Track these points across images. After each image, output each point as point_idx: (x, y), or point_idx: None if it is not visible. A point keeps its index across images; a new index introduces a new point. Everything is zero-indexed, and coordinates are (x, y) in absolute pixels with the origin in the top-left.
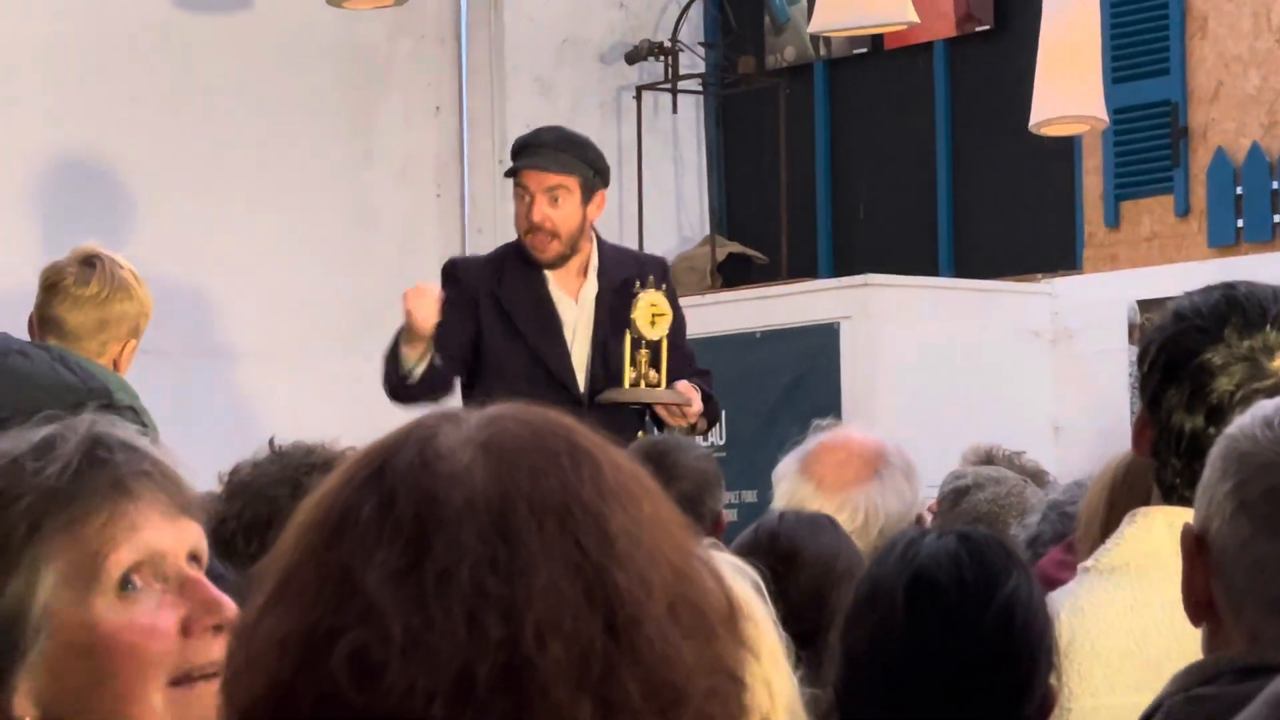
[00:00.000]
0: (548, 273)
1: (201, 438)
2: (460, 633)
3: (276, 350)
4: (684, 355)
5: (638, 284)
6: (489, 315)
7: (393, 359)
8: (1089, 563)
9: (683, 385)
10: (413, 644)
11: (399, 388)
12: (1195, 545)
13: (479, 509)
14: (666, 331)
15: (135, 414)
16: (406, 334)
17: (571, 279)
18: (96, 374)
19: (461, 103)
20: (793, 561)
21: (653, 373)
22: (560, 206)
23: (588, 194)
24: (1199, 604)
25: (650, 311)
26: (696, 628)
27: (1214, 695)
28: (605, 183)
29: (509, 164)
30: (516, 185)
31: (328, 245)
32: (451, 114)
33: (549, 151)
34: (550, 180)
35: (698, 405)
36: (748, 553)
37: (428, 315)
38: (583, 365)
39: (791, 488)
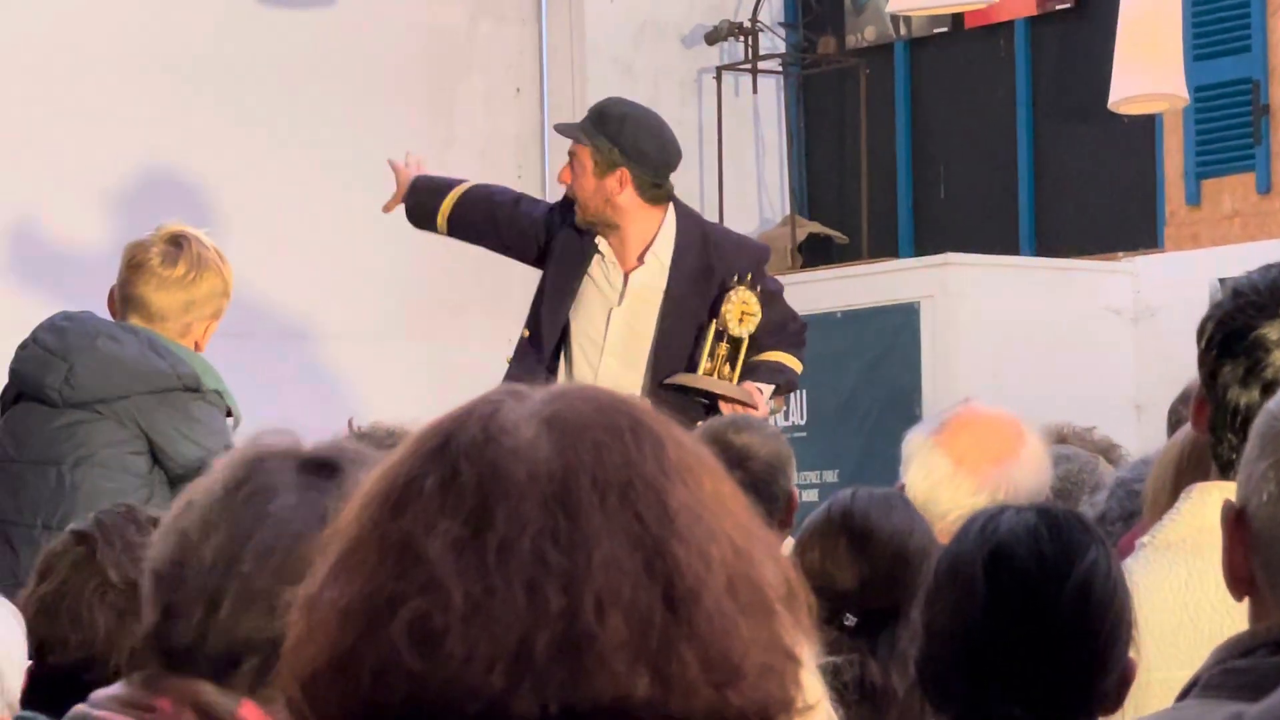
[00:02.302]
0: (603, 244)
1: (285, 420)
2: (520, 602)
3: (359, 332)
4: (782, 315)
5: (735, 278)
6: (550, 253)
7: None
8: (1145, 538)
9: (750, 387)
10: (473, 612)
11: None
12: (1235, 521)
13: (541, 481)
14: (753, 331)
15: (220, 398)
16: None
17: (628, 257)
18: (185, 359)
19: (542, 84)
20: (866, 540)
21: (727, 368)
22: (575, 174)
23: (603, 167)
24: (1239, 579)
25: (740, 309)
26: (754, 605)
27: (1249, 668)
28: (635, 162)
29: None
30: None
31: (410, 226)
32: (532, 95)
33: (582, 120)
34: (571, 146)
35: (763, 411)
36: (821, 532)
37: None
38: (613, 346)
39: (927, 464)
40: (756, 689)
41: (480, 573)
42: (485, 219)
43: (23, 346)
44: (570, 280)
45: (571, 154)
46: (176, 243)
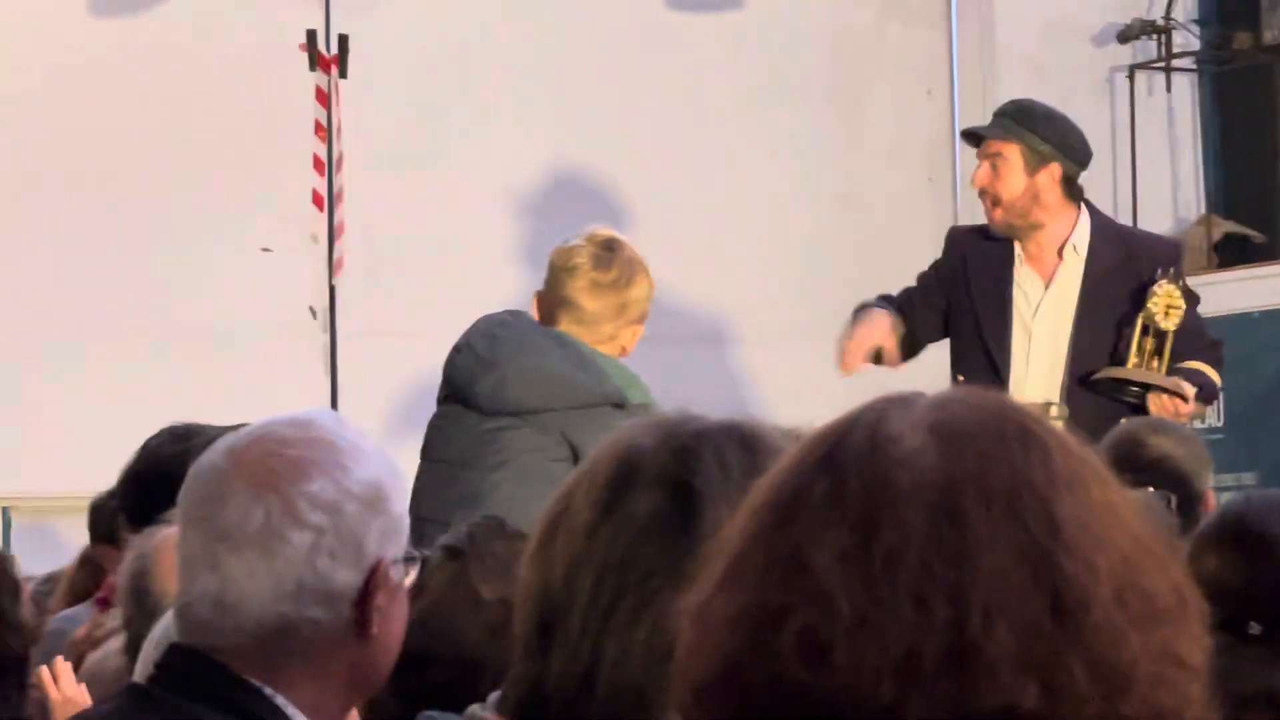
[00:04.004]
0: (1019, 249)
1: None
2: (907, 614)
3: (767, 335)
4: (1196, 322)
5: (1159, 271)
6: (958, 285)
7: None
8: None
9: (1177, 378)
10: (860, 624)
11: None
12: None
13: (927, 492)
14: (1179, 324)
15: (646, 410)
16: None
17: (1046, 257)
18: (611, 374)
19: (952, 86)
20: (1261, 547)
21: (1155, 362)
22: (1000, 174)
23: (1033, 164)
24: None
25: (1166, 303)
26: (1144, 614)
27: None
28: (1066, 157)
29: None
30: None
31: (818, 230)
32: (942, 97)
33: (997, 119)
34: (991, 147)
35: (1191, 408)
36: (1214, 538)
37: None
38: (1038, 350)
39: None
40: (1147, 699)
41: (867, 584)
42: (936, 321)
43: (457, 349)
44: (1000, 302)
45: (993, 154)
46: (609, 246)
